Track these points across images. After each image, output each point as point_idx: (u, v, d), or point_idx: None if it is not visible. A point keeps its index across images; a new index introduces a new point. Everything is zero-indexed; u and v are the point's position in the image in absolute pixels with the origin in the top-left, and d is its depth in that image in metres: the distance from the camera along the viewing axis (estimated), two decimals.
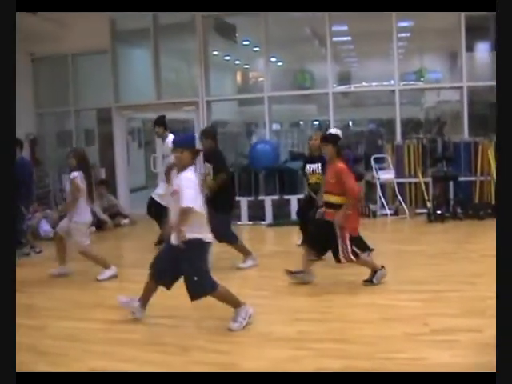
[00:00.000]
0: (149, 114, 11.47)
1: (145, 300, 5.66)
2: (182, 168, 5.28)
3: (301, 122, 16.60)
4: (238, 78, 17.83)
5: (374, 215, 11.49)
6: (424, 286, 6.41)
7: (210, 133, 8.06)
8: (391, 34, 12.24)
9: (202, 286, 5.27)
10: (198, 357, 4.79)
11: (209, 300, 6.56)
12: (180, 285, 5.36)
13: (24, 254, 8.99)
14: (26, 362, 4.88)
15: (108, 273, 7.53)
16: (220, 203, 7.51)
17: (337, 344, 4.87)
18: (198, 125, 13.04)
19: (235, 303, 5.48)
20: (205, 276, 5.31)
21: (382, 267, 6.71)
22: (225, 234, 7.69)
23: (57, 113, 14.59)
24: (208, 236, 5.37)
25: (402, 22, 12.97)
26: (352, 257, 6.58)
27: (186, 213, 5.12)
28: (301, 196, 10.57)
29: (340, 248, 6.58)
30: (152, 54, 13.44)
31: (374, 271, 6.71)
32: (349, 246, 6.58)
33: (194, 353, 4.90)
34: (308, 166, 8.19)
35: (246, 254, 7.93)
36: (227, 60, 17.28)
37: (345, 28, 14.60)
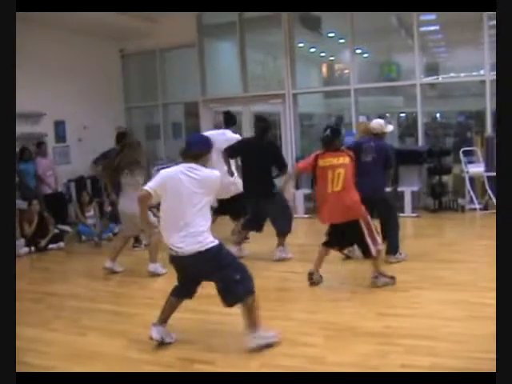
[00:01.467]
0: (235, 107, 11.58)
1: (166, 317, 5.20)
2: None
3: (387, 114, 16.35)
4: (324, 70, 17.69)
5: (463, 209, 11.23)
6: None
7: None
8: (481, 21, 11.89)
9: None
10: (286, 349, 4.85)
11: (293, 293, 6.65)
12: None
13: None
14: (117, 346, 5.12)
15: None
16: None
17: (425, 341, 4.82)
18: (284, 118, 13.10)
19: None
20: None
21: None
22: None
23: (145, 106, 15.02)
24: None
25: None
26: None
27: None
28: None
29: None
30: (238, 47, 13.56)
31: None
32: None
33: (282, 344, 4.96)
34: None
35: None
36: (312, 52, 17.18)
37: (433, 17, 14.26)
